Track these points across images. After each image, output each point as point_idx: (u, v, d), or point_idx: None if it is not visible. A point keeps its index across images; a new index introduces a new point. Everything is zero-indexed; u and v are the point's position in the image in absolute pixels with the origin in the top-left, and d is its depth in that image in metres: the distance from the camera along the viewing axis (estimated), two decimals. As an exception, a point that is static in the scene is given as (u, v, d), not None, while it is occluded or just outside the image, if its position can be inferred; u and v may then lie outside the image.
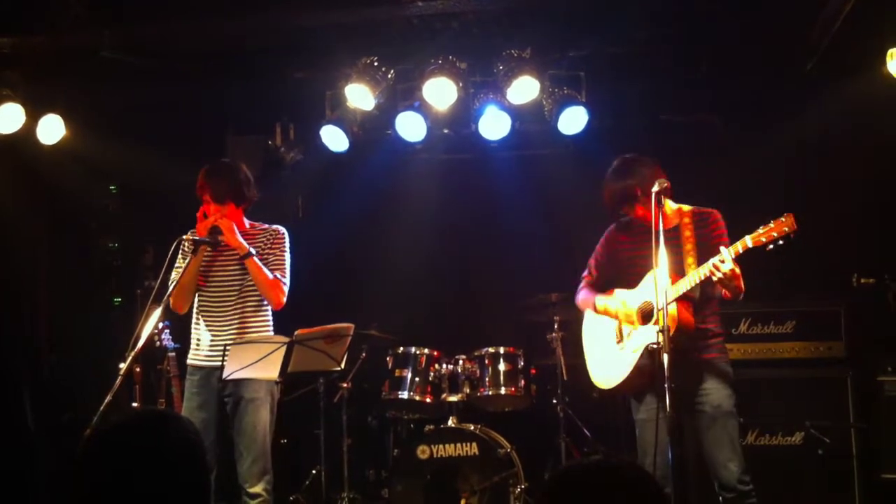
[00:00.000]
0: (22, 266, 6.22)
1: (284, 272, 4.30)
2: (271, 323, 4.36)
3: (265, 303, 4.31)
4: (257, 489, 4.14)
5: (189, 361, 4.34)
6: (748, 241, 3.58)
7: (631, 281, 4.06)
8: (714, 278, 3.67)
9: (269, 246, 4.31)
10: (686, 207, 4.06)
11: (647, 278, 3.91)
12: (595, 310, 4.21)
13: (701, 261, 3.77)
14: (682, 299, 3.81)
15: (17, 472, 5.44)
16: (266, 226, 4.40)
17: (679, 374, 3.57)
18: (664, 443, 3.55)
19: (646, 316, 3.95)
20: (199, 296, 4.32)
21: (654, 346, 3.74)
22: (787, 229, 3.48)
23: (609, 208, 4.13)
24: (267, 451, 4.19)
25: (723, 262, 3.63)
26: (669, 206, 4.02)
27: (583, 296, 4.31)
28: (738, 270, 3.67)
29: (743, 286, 3.77)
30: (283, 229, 4.40)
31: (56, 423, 5.89)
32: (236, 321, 4.25)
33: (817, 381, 5.14)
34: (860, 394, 5.09)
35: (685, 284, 3.78)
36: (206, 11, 4.94)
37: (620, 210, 4.08)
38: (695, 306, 3.87)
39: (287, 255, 4.34)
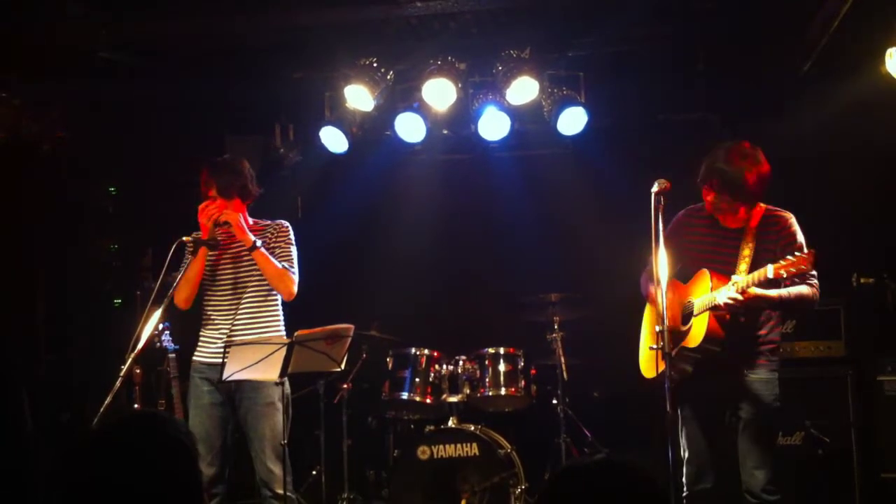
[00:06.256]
0: (22, 268, 6.21)
1: (292, 262, 4.30)
2: (281, 315, 4.33)
3: (272, 296, 4.29)
4: (283, 490, 4.12)
5: (195, 358, 4.30)
6: (769, 271, 3.50)
7: (687, 274, 3.95)
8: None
9: (273, 239, 4.31)
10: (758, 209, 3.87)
11: (700, 277, 3.84)
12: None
13: (755, 269, 3.65)
14: (716, 310, 3.71)
15: (15, 473, 5.42)
16: (269, 221, 4.41)
17: (718, 381, 3.74)
18: (700, 439, 3.80)
19: (684, 317, 3.89)
20: (205, 293, 4.31)
21: (653, 349, 3.74)
22: (804, 267, 3.47)
23: None
24: (285, 452, 4.16)
25: (733, 296, 3.59)
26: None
27: (645, 283, 4.14)
28: (753, 292, 3.58)
29: (782, 300, 3.71)
30: (286, 223, 4.40)
31: (55, 423, 5.88)
32: (242, 316, 4.23)
33: (817, 381, 5.13)
34: (860, 393, 5.08)
35: (704, 303, 3.74)
36: (205, 11, 4.94)
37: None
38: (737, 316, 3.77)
39: (293, 247, 4.34)
